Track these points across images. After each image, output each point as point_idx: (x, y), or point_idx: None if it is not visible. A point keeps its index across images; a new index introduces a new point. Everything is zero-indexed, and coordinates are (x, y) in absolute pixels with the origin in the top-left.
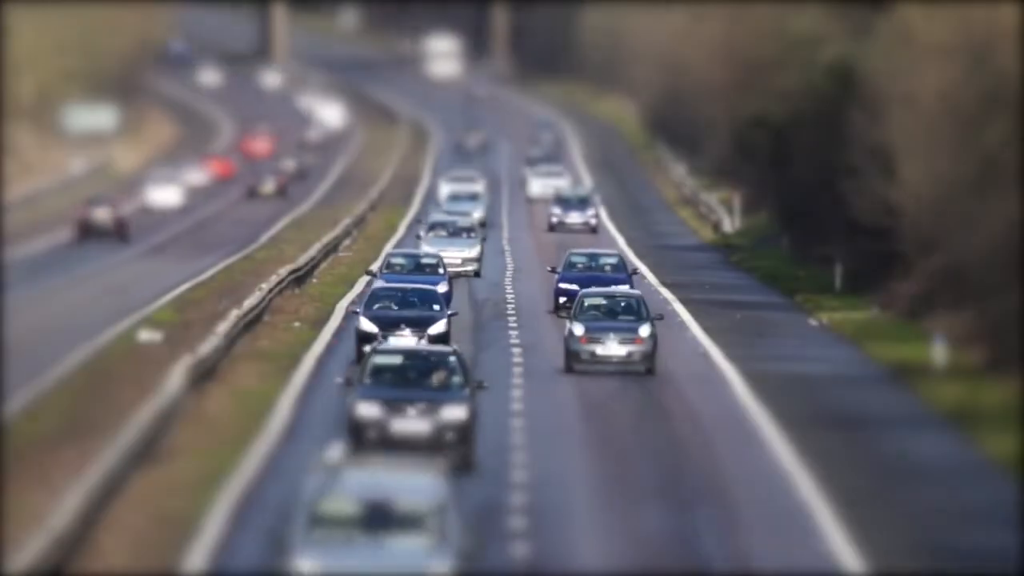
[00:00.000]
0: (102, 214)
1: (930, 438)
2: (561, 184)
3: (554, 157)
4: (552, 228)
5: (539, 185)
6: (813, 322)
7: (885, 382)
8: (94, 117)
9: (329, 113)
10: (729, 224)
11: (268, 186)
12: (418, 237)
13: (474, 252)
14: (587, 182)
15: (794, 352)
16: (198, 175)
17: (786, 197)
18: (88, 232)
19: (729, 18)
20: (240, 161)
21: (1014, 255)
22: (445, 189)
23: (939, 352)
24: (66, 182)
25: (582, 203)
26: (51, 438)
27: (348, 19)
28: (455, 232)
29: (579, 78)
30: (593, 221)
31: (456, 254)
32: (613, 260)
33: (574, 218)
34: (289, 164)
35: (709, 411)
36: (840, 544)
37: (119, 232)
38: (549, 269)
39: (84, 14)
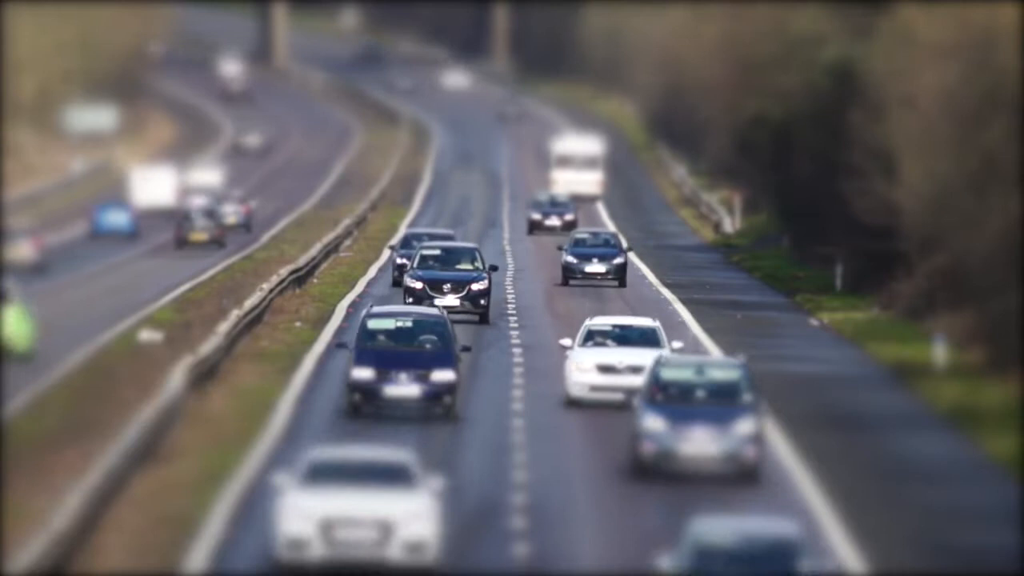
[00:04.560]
0: (200, 231)
1: (930, 438)
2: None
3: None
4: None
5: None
6: (814, 322)
7: (885, 382)
8: (94, 117)
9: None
10: (730, 224)
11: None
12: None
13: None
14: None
15: (795, 352)
16: None
17: (786, 197)
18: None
19: (729, 18)
20: None
21: (1014, 255)
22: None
23: (939, 352)
24: (67, 182)
25: (721, 399)
26: (52, 438)
27: (348, 19)
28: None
29: (579, 78)
30: (752, 453)
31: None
32: None
33: (703, 444)
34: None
35: None
36: (841, 544)
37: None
38: None
39: (84, 14)
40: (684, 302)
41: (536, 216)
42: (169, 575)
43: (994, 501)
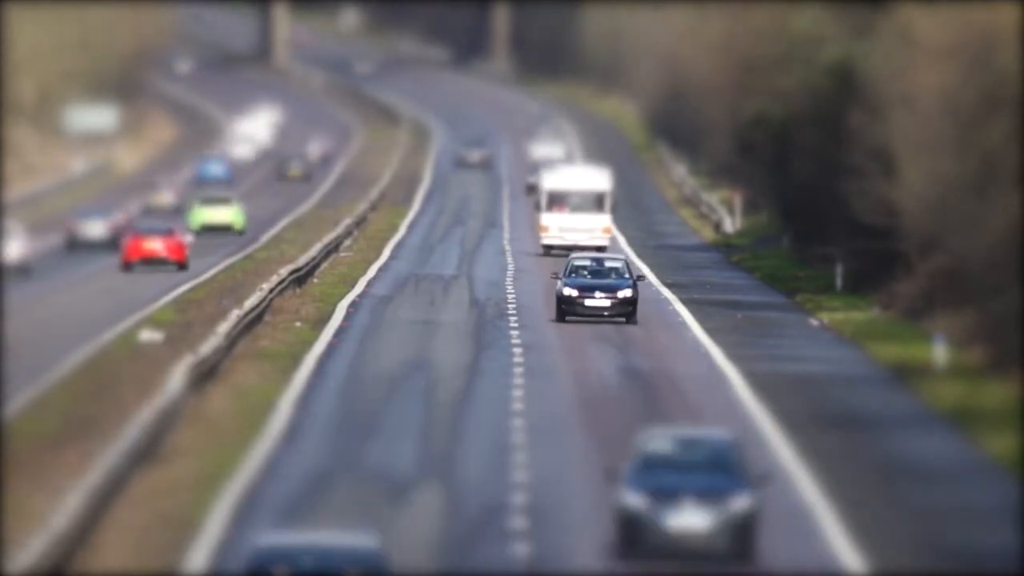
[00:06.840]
0: (295, 168)
1: (930, 438)
2: None
3: None
4: None
5: None
6: (814, 322)
7: (886, 382)
8: (95, 117)
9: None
10: (730, 224)
11: None
12: None
13: None
14: None
15: (795, 352)
16: None
17: (787, 197)
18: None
19: (730, 18)
20: None
21: (1014, 255)
22: None
23: (939, 352)
24: (67, 182)
25: None
26: (52, 438)
27: (349, 19)
28: None
29: (580, 78)
30: None
31: None
32: None
33: None
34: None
35: (710, 411)
36: (841, 544)
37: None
38: None
39: (84, 14)
40: (684, 302)
41: (570, 292)
42: (169, 575)
43: (994, 501)
